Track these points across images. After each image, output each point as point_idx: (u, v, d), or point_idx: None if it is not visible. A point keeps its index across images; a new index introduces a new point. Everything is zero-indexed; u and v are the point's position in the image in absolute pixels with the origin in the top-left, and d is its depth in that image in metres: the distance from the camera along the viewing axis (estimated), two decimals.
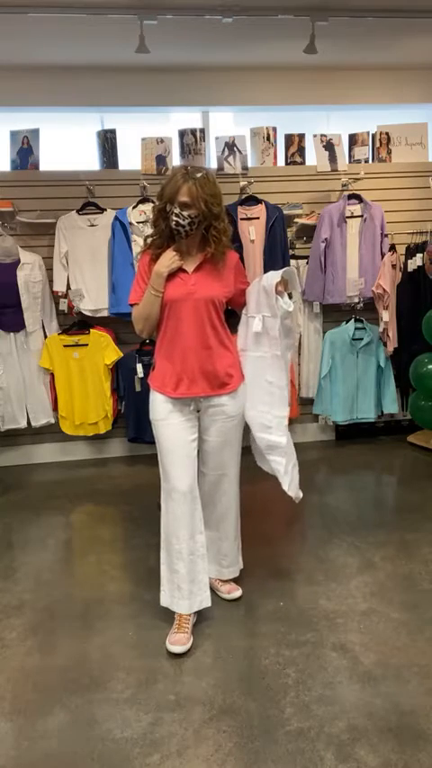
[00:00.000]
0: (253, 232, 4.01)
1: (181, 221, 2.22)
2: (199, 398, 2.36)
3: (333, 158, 4.30)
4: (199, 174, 2.22)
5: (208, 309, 2.31)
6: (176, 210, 2.21)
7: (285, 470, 2.49)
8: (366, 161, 4.43)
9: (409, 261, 4.33)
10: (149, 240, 2.36)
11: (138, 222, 3.94)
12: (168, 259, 2.28)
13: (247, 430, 2.50)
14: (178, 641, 2.29)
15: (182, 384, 2.33)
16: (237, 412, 2.42)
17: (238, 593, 2.62)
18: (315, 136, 4.30)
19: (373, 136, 4.43)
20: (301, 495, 2.54)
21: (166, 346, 2.37)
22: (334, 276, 4.19)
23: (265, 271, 3.78)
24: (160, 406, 2.36)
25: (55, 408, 4.18)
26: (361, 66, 4.45)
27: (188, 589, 2.33)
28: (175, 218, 2.22)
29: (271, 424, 2.46)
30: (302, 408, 4.47)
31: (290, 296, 2.46)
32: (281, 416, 2.47)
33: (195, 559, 2.34)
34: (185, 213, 2.21)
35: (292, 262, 4.24)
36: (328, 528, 3.23)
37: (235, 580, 2.65)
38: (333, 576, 2.75)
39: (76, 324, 4.11)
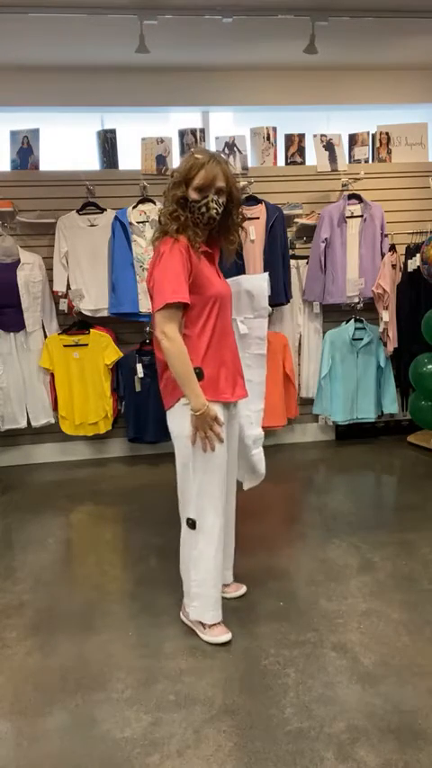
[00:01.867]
0: (253, 232, 4.01)
1: (219, 209, 2.06)
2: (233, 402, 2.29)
3: (333, 158, 4.30)
4: (223, 161, 2.10)
5: (230, 306, 2.27)
6: (214, 197, 2.05)
7: (260, 458, 2.59)
8: (366, 161, 4.43)
9: (409, 261, 4.33)
10: (176, 228, 2.04)
11: (138, 222, 3.94)
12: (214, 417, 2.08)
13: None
14: (222, 631, 2.32)
15: (238, 386, 2.25)
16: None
17: (244, 588, 2.61)
18: (315, 136, 4.30)
19: (373, 136, 4.43)
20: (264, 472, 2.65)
21: (216, 347, 2.15)
22: (334, 276, 4.19)
23: (265, 270, 3.80)
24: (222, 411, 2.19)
25: (55, 408, 4.18)
26: (361, 66, 4.45)
27: (218, 600, 2.34)
28: (214, 206, 2.04)
29: (252, 419, 2.49)
30: (302, 408, 4.47)
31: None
32: (259, 409, 2.52)
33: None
34: (220, 200, 2.07)
35: (292, 262, 4.25)
36: (328, 528, 3.23)
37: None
38: (333, 576, 2.75)
39: (76, 324, 4.11)
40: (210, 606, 2.31)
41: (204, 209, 2.04)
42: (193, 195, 2.04)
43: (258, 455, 2.58)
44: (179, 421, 2.13)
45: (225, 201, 2.07)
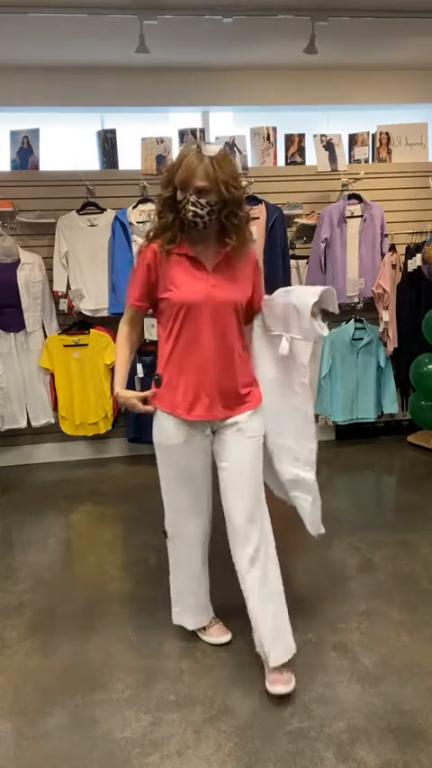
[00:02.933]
0: (254, 232, 4.01)
1: (199, 210, 1.88)
2: (216, 420, 2.06)
3: (333, 158, 4.29)
4: (215, 152, 1.87)
5: (230, 315, 2.00)
6: (192, 198, 1.87)
7: (311, 507, 2.22)
8: (366, 161, 4.43)
9: (409, 261, 4.33)
10: (152, 233, 2.01)
11: (138, 222, 3.94)
12: (133, 399, 2.04)
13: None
14: (215, 632, 2.33)
15: (199, 404, 2.01)
16: (257, 432, 2.10)
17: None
18: (315, 136, 4.30)
19: (373, 136, 4.43)
20: (323, 530, 2.30)
21: (179, 358, 2.01)
22: (334, 276, 4.19)
23: (265, 270, 3.80)
24: (170, 431, 2.04)
25: (55, 408, 4.18)
26: (361, 66, 4.45)
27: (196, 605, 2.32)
28: (192, 208, 1.88)
29: (300, 456, 2.16)
30: None
31: (325, 315, 2.10)
32: (312, 449, 2.17)
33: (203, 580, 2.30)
34: (203, 201, 1.87)
35: (292, 262, 4.25)
36: (328, 528, 3.21)
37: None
38: (333, 576, 2.75)
39: (76, 324, 4.11)
40: (188, 612, 2.30)
41: (184, 211, 1.90)
42: (178, 194, 1.91)
43: (302, 500, 2.21)
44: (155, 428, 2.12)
45: (214, 202, 1.88)
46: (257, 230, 4.02)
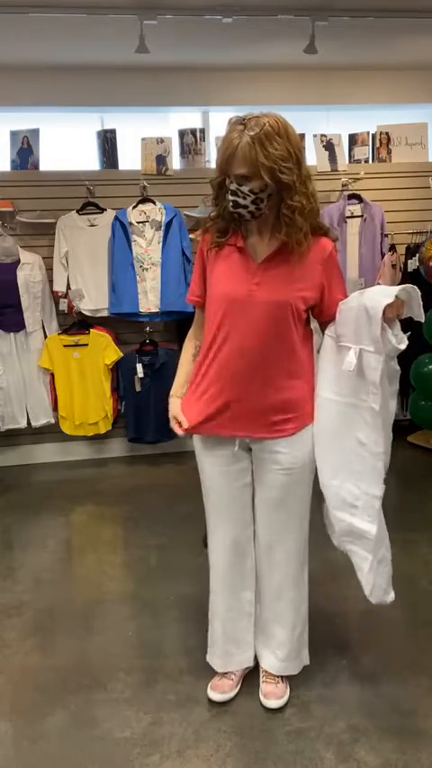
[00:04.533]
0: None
1: (240, 200, 1.61)
2: (243, 439, 1.81)
3: (333, 158, 4.29)
4: (259, 128, 1.55)
5: (276, 318, 1.69)
6: (233, 186, 1.60)
7: (370, 567, 1.80)
8: (366, 161, 4.43)
9: (409, 261, 4.33)
10: (209, 223, 1.78)
11: (138, 222, 3.94)
12: (170, 413, 1.86)
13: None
14: (218, 687, 2.02)
15: (220, 416, 1.77)
16: (296, 463, 1.80)
17: (276, 701, 1.97)
18: (315, 136, 4.29)
19: (373, 136, 4.43)
20: (389, 599, 1.87)
21: (210, 359, 1.78)
22: None
23: None
24: (196, 436, 1.87)
25: (55, 408, 4.18)
26: (361, 66, 4.45)
27: (222, 647, 2.01)
28: (232, 198, 1.62)
29: (357, 502, 1.77)
30: None
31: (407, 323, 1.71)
32: (374, 495, 1.75)
33: (238, 617, 1.98)
34: (245, 188, 1.59)
35: None
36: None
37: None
38: (333, 576, 2.75)
39: (76, 324, 4.11)
40: (215, 650, 2.03)
41: (226, 201, 1.66)
42: (225, 180, 1.64)
43: (359, 558, 1.83)
44: None
45: (259, 189, 1.59)
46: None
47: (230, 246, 1.75)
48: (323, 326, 1.85)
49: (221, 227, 1.74)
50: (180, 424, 1.83)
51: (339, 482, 1.79)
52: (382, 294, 1.65)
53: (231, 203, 1.63)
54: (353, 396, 1.74)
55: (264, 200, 1.63)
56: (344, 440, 1.77)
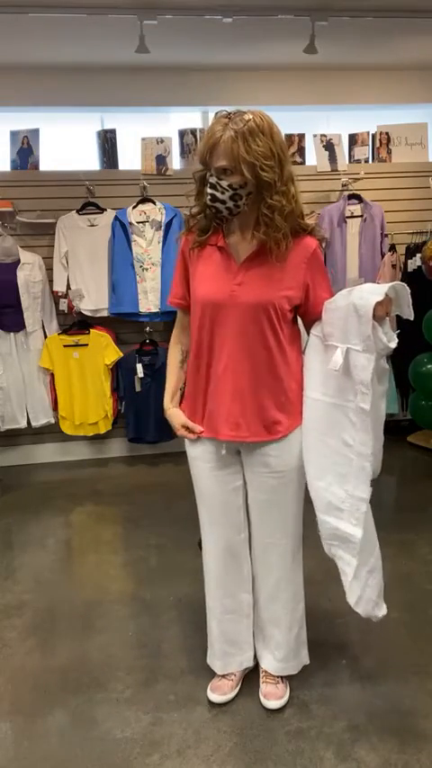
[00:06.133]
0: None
1: (219, 194, 1.57)
2: (231, 443, 1.79)
3: (333, 158, 4.29)
4: (243, 123, 1.52)
5: (260, 319, 1.66)
6: (213, 179, 1.57)
7: (355, 575, 1.74)
8: (366, 161, 4.43)
9: (409, 261, 4.33)
10: (191, 222, 1.74)
11: (138, 222, 3.94)
12: (177, 423, 1.84)
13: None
14: (218, 688, 2.02)
15: (209, 419, 1.77)
16: (286, 467, 1.79)
17: (276, 702, 1.97)
18: (315, 136, 4.30)
19: (373, 136, 4.43)
20: (380, 614, 1.78)
21: (195, 360, 1.78)
22: (334, 276, 4.18)
23: None
24: (191, 441, 1.86)
25: (55, 408, 4.18)
26: (361, 66, 4.44)
27: (221, 649, 2.01)
28: (210, 191, 1.58)
29: (343, 505, 1.73)
30: None
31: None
32: (360, 498, 1.72)
33: (236, 618, 1.98)
34: (224, 183, 1.57)
35: None
36: None
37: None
38: (333, 576, 2.74)
39: (75, 324, 4.11)
40: (214, 651, 2.04)
41: (205, 196, 1.63)
42: (206, 174, 1.62)
43: (344, 563, 1.77)
44: None
45: (240, 185, 1.57)
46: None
47: (212, 246, 1.72)
48: (309, 326, 1.82)
49: (203, 226, 1.70)
50: (190, 430, 1.83)
51: (325, 484, 1.75)
52: (372, 292, 1.61)
53: (209, 197, 1.59)
54: (339, 396, 1.70)
55: (242, 197, 1.60)
56: (330, 441, 1.73)
